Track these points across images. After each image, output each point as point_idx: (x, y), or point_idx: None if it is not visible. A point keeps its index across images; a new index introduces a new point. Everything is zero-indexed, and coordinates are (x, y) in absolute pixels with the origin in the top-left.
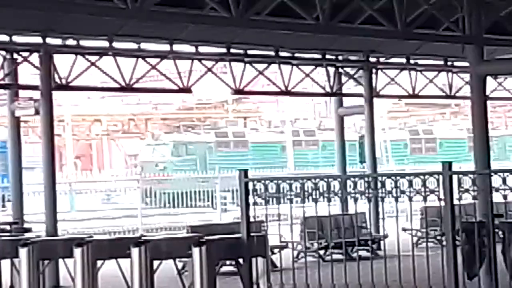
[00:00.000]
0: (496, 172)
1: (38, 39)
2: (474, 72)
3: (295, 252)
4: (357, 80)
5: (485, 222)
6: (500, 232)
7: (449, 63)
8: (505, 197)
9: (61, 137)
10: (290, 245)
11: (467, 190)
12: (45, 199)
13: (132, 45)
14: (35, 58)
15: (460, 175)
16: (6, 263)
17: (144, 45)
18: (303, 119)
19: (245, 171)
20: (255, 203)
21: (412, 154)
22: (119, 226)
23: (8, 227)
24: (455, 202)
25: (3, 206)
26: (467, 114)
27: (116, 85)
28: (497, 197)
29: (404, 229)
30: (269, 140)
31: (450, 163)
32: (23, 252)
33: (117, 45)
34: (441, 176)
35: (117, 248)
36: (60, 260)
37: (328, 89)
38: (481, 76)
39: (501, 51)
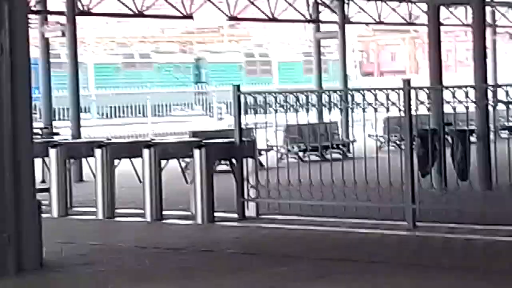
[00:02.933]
0: (447, 87)
1: None
2: (430, 2)
3: (279, 154)
4: (332, 9)
5: (437, 129)
6: (450, 138)
7: None
8: (454, 108)
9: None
10: (275, 148)
11: (422, 103)
12: (70, 108)
13: None
14: None
15: (417, 90)
16: (38, 161)
17: None
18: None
19: (238, 86)
20: (246, 113)
21: (248, 76)
22: (133, 132)
23: (39, 131)
24: (413, 113)
25: (35, 113)
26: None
27: (130, 12)
28: (447, 109)
29: (370, 135)
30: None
31: (409, 80)
32: (52, 152)
33: None
34: (401, 91)
35: (131, 149)
36: (83, 159)
37: (307, 17)
38: (435, 6)
39: None
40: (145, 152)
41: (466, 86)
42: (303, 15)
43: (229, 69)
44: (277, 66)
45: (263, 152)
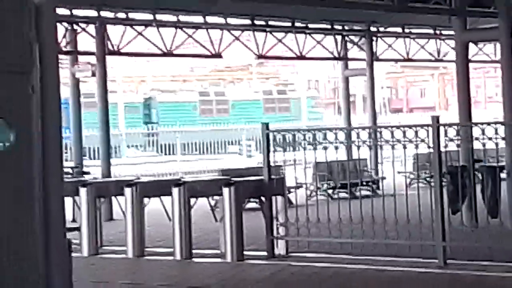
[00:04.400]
0: (476, 124)
1: (94, 13)
2: (458, 39)
3: (308, 192)
4: (360, 47)
5: (467, 166)
6: (480, 175)
7: (437, 32)
8: (483, 145)
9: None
10: (304, 185)
11: (451, 140)
12: (101, 147)
13: (172, 17)
14: (91, 28)
15: (446, 127)
16: (68, 200)
17: (182, 17)
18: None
19: (267, 124)
20: (275, 151)
21: (202, 115)
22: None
23: (70, 171)
24: (442, 149)
25: (66, 153)
26: (267, 77)
27: (159, 51)
28: (477, 145)
29: (399, 172)
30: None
31: (437, 117)
32: (83, 191)
33: (159, 17)
34: (430, 128)
35: (160, 188)
36: (113, 198)
37: (335, 54)
38: (464, 43)
39: (482, 21)
40: (175, 190)
41: (495, 123)
42: (331, 53)
43: (182, 108)
44: (231, 105)
45: (292, 190)
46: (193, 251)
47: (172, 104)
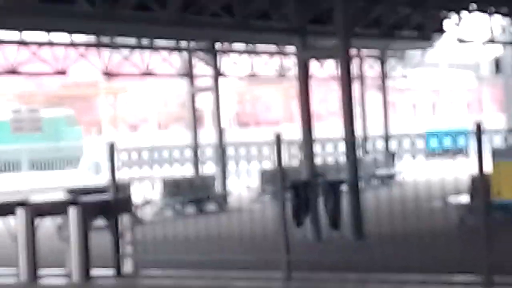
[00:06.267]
0: (317, 140)
1: None
2: (299, 57)
3: (156, 208)
4: (206, 63)
5: (310, 180)
6: (322, 189)
7: (280, 49)
8: (324, 160)
9: None
10: (152, 202)
11: (294, 157)
12: None
13: (15, 34)
14: None
15: (288, 143)
16: None
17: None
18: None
19: (112, 143)
20: (121, 168)
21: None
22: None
23: None
24: (285, 164)
25: None
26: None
27: (2, 69)
28: (319, 160)
29: (247, 187)
30: None
31: (279, 135)
32: None
33: (2, 34)
34: (274, 144)
35: (4, 208)
36: None
37: (182, 71)
38: (304, 60)
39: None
40: (19, 210)
41: (335, 139)
42: (177, 69)
43: None
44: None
45: (140, 206)
46: (39, 271)
47: None
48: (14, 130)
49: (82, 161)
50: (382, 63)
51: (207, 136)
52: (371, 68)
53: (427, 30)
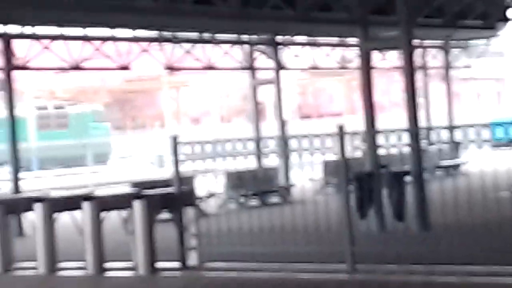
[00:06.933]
0: (379, 131)
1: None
2: (361, 48)
3: (220, 201)
4: (268, 55)
5: (373, 172)
6: (386, 180)
7: (342, 40)
8: (388, 151)
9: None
10: (216, 195)
11: (357, 148)
12: (10, 162)
13: (79, 31)
14: None
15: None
16: None
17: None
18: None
19: (175, 137)
20: (184, 161)
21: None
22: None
23: None
24: (349, 156)
25: None
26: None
27: (67, 65)
28: (383, 151)
29: (311, 179)
30: None
31: (342, 126)
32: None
33: (66, 31)
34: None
35: (70, 202)
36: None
37: (244, 64)
38: (367, 51)
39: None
40: (85, 205)
41: (399, 130)
42: (240, 62)
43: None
44: None
45: (204, 199)
46: (106, 264)
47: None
48: (40, 127)
49: (111, 157)
50: (446, 53)
51: (269, 128)
52: (434, 58)
53: (490, 19)
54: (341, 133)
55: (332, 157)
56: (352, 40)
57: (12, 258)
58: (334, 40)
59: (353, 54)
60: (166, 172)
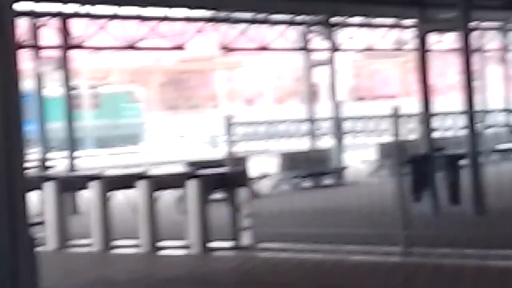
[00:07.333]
0: (435, 114)
1: (55, 7)
2: (418, 29)
3: (273, 182)
4: (323, 37)
5: (428, 154)
6: (441, 163)
7: (398, 22)
8: (443, 134)
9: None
10: (269, 176)
11: (411, 131)
12: (66, 140)
13: (134, 10)
14: (53, 23)
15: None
16: (34, 195)
17: (144, 11)
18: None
19: (229, 117)
20: (238, 141)
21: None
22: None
23: (36, 164)
24: (404, 138)
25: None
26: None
27: (121, 45)
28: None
29: (364, 161)
30: None
31: (397, 108)
32: (47, 186)
33: (122, 10)
34: (392, 118)
35: (125, 181)
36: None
37: (298, 45)
38: (423, 33)
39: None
40: (140, 184)
41: (455, 113)
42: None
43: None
44: None
45: (257, 180)
46: (159, 243)
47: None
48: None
49: (143, 138)
50: (503, 35)
51: (323, 110)
52: (492, 41)
53: None
54: (396, 115)
55: (387, 139)
56: (408, 22)
57: (67, 235)
58: (390, 21)
59: (408, 36)
60: (219, 153)
